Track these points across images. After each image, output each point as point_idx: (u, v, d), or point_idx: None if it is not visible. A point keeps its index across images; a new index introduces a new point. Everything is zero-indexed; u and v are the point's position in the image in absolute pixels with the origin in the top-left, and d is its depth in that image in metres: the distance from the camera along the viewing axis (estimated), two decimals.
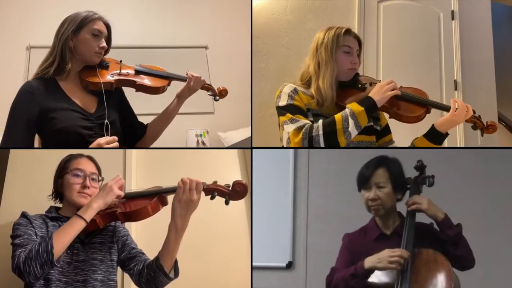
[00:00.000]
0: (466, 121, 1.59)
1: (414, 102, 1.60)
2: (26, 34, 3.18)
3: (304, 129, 1.50)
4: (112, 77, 1.56)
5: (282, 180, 2.30)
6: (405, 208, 1.44)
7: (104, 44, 1.55)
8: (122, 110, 1.68)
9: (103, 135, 1.51)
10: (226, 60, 3.61)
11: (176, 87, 1.72)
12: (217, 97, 1.77)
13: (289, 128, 1.54)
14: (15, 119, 1.47)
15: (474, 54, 3.03)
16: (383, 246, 1.33)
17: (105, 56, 1.60)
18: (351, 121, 1.49)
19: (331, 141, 1.49)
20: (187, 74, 1.68)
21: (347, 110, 1.52)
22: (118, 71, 1.59)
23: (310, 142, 1.49)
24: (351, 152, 2.17)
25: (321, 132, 1.49)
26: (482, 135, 1.62)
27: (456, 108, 1.55)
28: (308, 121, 1.54)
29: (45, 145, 1.53)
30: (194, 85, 1.68)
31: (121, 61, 1.63)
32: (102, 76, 1.55)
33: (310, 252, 2.22)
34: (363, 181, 1.46)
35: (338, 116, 1.51)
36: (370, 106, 1.52)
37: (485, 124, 1.61)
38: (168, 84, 1.68)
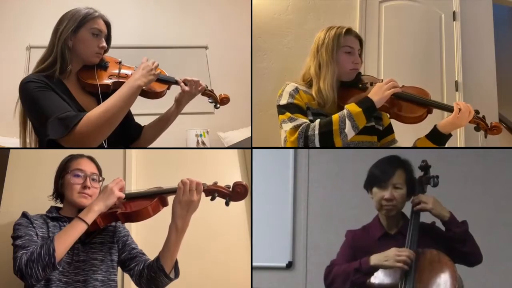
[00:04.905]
0: (470, 122, 1.55)
1: (415, 102, 1.57)
2: (26, 34, 3.18)
3: (300, 128, 1.50)
4: (110, 79, 1.49)
5: (282, 180, 2.30)
6: (408, 209, 1.43)
7: (104, 44, 1.49)
8: None
9: None
10: (226, 60, 3.61)
11: (177, 90, 1.66)
12: (218, 105, 1.69)
13: (287, 126, 1.53)
14: (46, 95, 1.33)
15: (475, 55, 3.02)
16: (386, 245, 1.33)
17: (105, 55, 1.53)
18: (348, 123, 1.48)
19: (327, 141, 1.48)
20: (182, 79, 1.60)
21: (344, 111, 1.50)
22: (117, 72, 1.52)
23: (305, 141, 1.48)
24: (351, 152, 2.17)
25: (317, 132, 1.48)
26: (485, 137, 1.57)
27: (460, 109, 1.52)
28: (306, 120, 1.53)
29: (41, 145, 1.45)
30: (190, 89, 1.59)
31: (120, 61, 1.56)
32: (100, 78, 1.47)
33: (310, 252, 2.22)
34: (380, 180, 1.42)
35: (335, 117, 1.50)
36: (368, 107, 1.50)
37: (489, 126, 1.56)
38: (168, 88, 1.62)
